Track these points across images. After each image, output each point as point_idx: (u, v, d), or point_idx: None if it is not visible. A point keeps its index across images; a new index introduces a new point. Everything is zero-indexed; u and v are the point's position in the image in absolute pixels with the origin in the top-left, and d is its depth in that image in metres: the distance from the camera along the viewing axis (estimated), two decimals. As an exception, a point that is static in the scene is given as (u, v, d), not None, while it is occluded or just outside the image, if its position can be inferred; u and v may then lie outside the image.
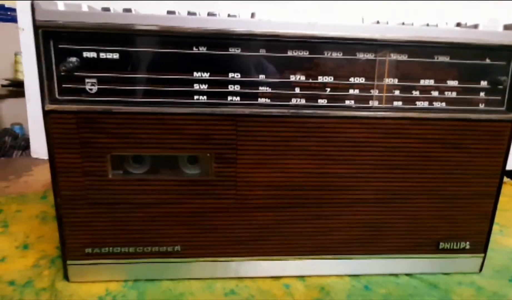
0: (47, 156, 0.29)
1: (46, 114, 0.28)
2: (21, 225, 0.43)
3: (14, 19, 0.68)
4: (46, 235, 0.40)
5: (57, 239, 0.31)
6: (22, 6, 0.66)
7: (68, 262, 0.32)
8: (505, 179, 0.39)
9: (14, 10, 0.67)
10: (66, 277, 0.32)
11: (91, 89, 0.28)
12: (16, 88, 1.59)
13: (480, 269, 0.36)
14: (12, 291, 0.31)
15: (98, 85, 0.28)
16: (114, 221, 0.31)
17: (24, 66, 0.69)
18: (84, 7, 0.28)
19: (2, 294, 0.31)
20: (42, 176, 0.62)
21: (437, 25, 0.31)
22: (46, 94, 0.28)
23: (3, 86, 1.66)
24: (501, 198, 0.34)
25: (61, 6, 0.27)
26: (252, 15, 0.30)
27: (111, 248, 0.32)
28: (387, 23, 0.31)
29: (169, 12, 0.28)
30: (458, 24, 0.35)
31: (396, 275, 0.35)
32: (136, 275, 0.33)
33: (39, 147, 0.72)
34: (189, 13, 0.29)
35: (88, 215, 0.31)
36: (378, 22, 0.31)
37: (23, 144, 1.33)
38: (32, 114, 0.71)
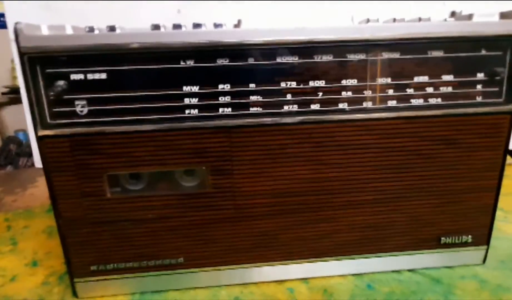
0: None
1: (39, 139, 0.28)
2: (29, 241, 0.44)
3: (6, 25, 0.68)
4: (53, 250, 0.41)
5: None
6: (12, 17, 0.66)
7: (75, 279, 0.33)
8: (509, 159, 0.38)
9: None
10: (75, 294, 0.33)
11: (81, 111, 0.28)
12: (16, 95, 1.60)
13: (484, 261, 0.36)
14: (24, 311, 0.32)
15: (88, 106, 0.28)
16: (116, 238, 0.32)
17: (19, 78, 0.69)
18: (69, 29, 0.28)
19: (14, 314, 0.32)
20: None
21: (429, 19, 0.30)
22: (38, 119, 0.28)
23: (3, 94, 1.67)
24: (505, 181, 0.33)
25: (45, 30, 0.27)
26: (238, 22, 0.29)
27: (115, 264, 0.32)
28: (378, 20, 0.30)
29: (154, 27, 0.28)
30: (453, 13, 0.34)
31: (398, 271, 0.35)
32: (143, 288, 0.34)
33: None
34: (175, 26, 0.28)
35: (90, 234, 0.31)
36: (368, 21, 0.30)
37: (28, 151, 1.34)
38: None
